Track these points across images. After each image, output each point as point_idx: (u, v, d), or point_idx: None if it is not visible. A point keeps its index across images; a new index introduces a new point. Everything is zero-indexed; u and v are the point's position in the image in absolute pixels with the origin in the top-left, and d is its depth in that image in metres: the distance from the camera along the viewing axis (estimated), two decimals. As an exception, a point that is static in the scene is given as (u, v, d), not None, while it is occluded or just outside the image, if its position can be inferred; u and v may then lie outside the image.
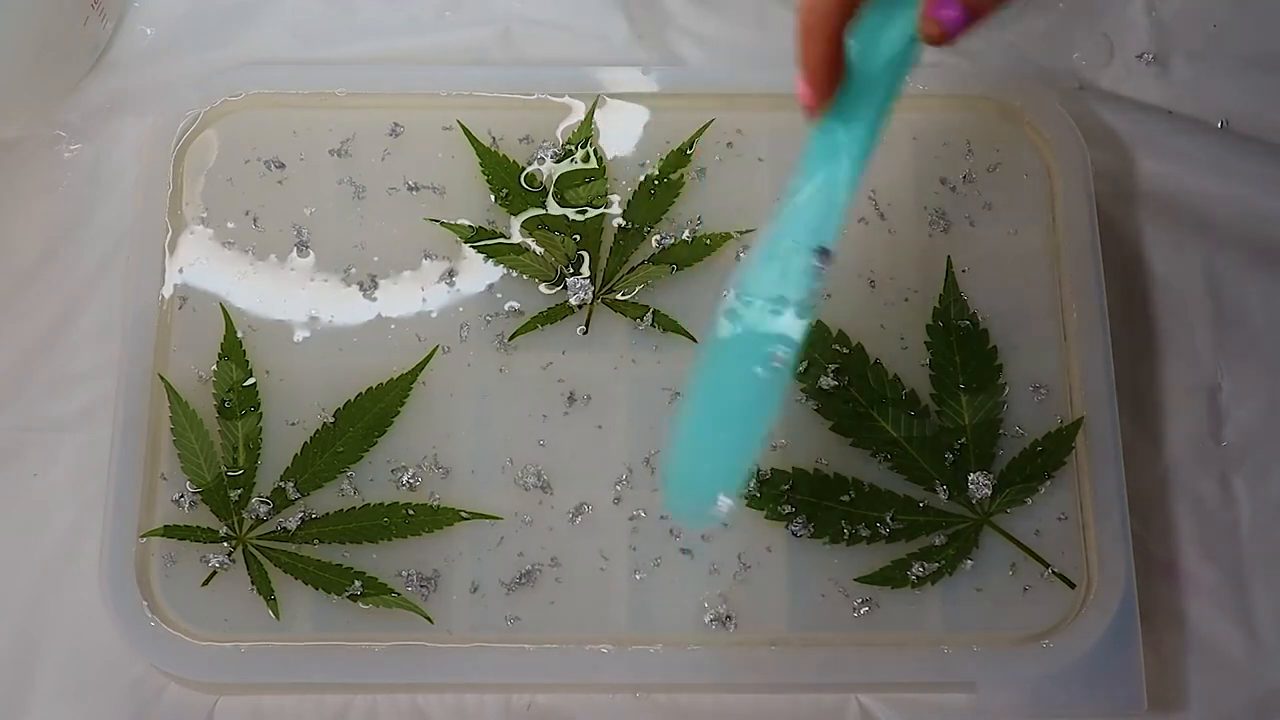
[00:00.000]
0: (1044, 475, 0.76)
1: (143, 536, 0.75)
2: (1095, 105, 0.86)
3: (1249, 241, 0.84)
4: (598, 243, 0.80)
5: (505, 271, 0.80)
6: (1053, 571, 0.75)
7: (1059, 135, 0.82)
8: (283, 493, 0.76)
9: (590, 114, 0.82)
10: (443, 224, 0.80)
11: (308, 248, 0.80)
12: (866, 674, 0.75)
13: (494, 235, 0.80)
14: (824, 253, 0.62)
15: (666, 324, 0.79)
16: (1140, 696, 0.74)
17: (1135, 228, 0.84)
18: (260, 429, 0.77)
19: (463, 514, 0.76)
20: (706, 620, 0.74)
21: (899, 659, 0.74)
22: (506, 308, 0.79)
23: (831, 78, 0.61)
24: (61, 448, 0.80)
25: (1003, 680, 0.74)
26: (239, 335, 0.78)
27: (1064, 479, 0.77)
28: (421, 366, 0.78)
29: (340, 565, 0.75)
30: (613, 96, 0.83)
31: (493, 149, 0.82)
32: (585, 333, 0.79)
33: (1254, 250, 0.84)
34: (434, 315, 0.79)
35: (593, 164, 0.81)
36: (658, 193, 0.81)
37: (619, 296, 0.80)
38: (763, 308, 0.63)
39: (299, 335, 0.79)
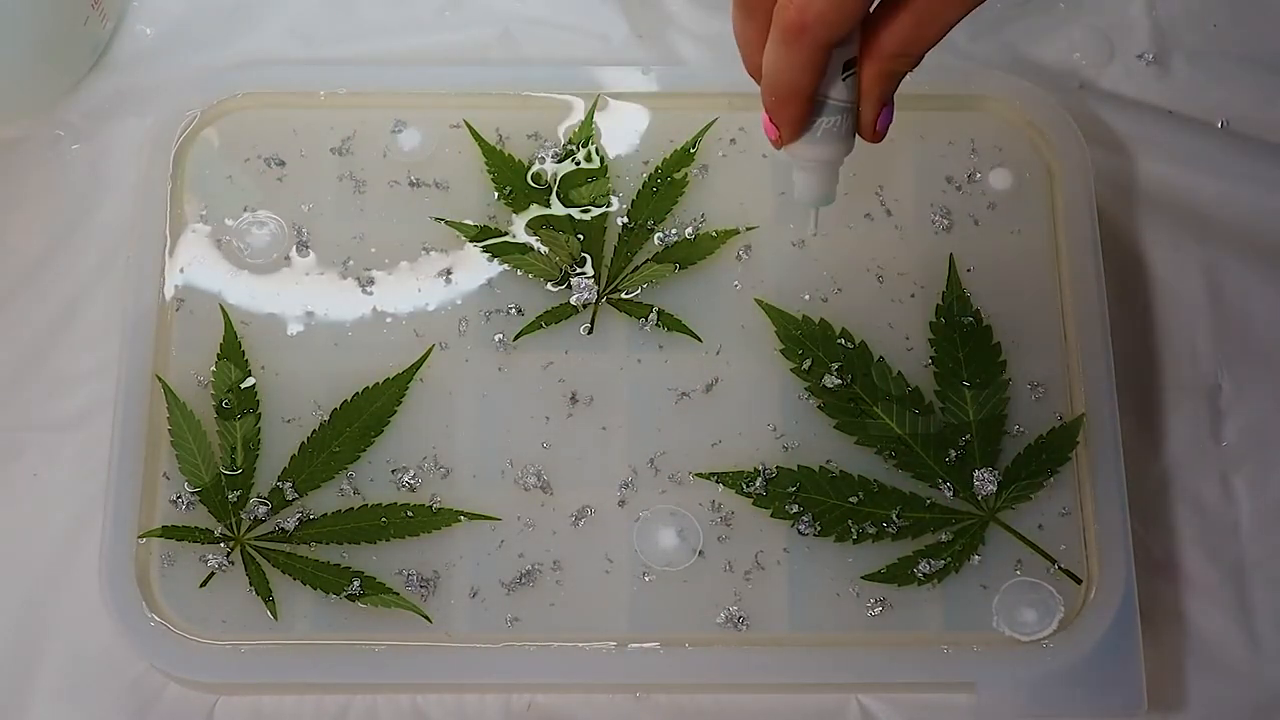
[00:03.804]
0: (1048, 471, 0.76)
1: (141, 537, 0.74)
2: (1095, 105, 0.87)
3: (1249, 241, 0.84)
4: (601, 242, 0.80)
5: (504, 269, 0.80)
6: (1059, 567, 0.75)
7: (1059, 135, 0.82)
8: (280, 493, 0.76)
9: (591, 113, 0.82)
10: (448, 223, 0.80)
11: (307, 246, 0.80)
12: (866, 674, 0.75)
13: (498, 234, 0.80)
14: None
15: (671, 323, 0.79)
16: (1140, 696, 0.73)
17: (1135, 228, 0.84)
18: (259, 430, 0.77)
19: (461, 515, 0.76)
20: (718, 621, 0.74)
21: (899, 659, 0.74)
22: (506, 306, 0.79)
23: (804, 119, 0.65)
24: (61, 448, 0.79)
25: (1003, 680, 0.74)
26: (238, 336, 0.78)
27: (1064, 479, 0.77)
28: (419, 365, 0.78)
29: (339, 565, 0.75)
30: (614, 96, 0.83)
31: (498, 147, 0.82)
32: (590, 333, 0.79)
33: (1254, 250, 0.84)
34: (432, 311, 0.79)
35: (595, 163, 0.81)
36: (661, 191, 0.81)
37: (623, 296, 0.80)
38: None
39: (296, 330, 0.79)
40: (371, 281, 0.80)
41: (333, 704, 0.76)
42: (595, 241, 0.80)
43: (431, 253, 0.80)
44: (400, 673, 0.74)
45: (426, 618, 0.74)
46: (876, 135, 0.65)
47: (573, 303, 0.79)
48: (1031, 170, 0.82)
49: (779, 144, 0.66)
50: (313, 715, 0.76)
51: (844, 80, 0.63)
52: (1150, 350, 0.82)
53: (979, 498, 0.76)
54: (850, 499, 0.76)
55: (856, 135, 0.65)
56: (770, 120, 0.65)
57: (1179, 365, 0.82)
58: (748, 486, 0.76)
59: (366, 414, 0.77)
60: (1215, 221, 0.84)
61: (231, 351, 0.78)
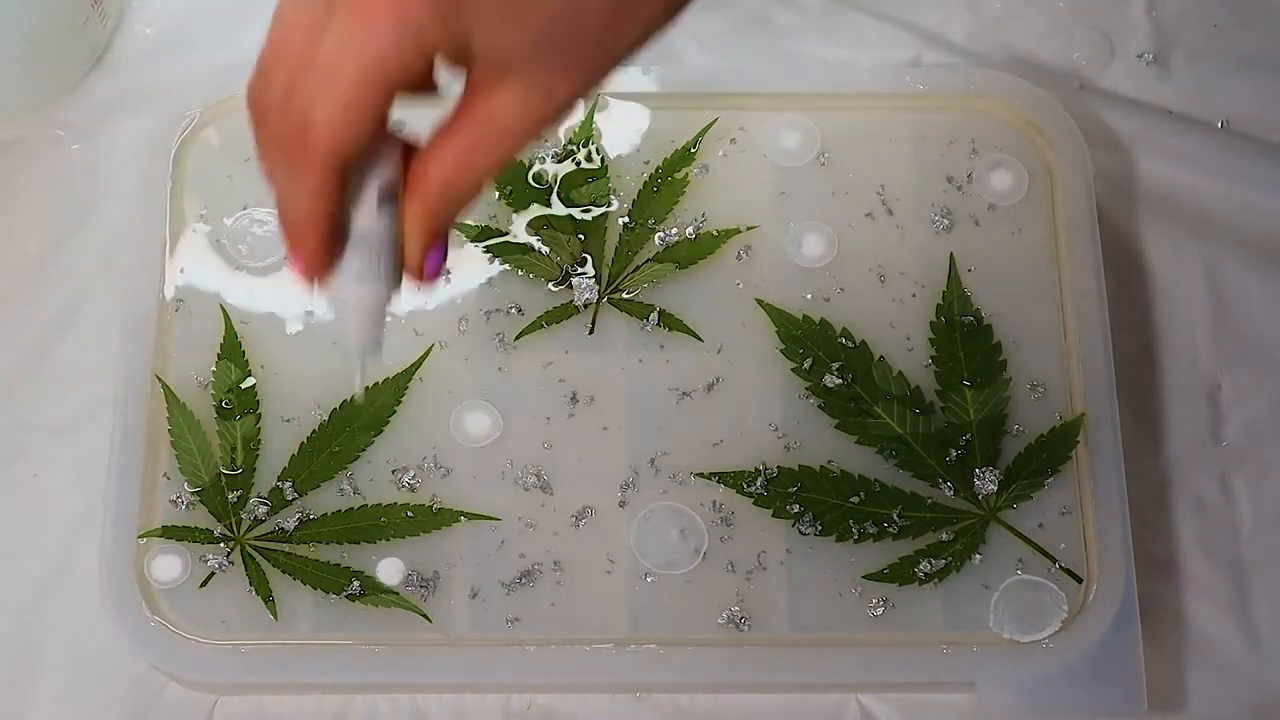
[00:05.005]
0: (1048, 471, 0.76)
1: (141, 537, 0.74)
2: (1095, 105, 0.87)
3: (1249, 241, 0.84)
4: (602, 242, 0.80)
5: (504, 268, 0.80)
6: (1060, 566, 0.75)
7: (1059, 135, 0.82)
8: (280, 493, 0.76)
9: (591, 113, 0.82)
10: (448, 222, 0.80)
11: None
12: (866, 674, 0.75)
13: (499, 234, 0.80)
14: None
15: (672, 323, 0.79)
16: (1140, 696, 0.73)
17: (1135, 228, 0.84)
18: (259, 430, 0.77)
19: (461, 515, 0.76)
20: (719, 621, 0.74)
21: (899, 659, 0.74)
22: (506, 306, 0.79)
23: (327, 253, 0.54)
24: (61, 448, 0.79)
25: (1003, 680, 0.74)
26: (238, 336, 0.78)
27: (1064, 479, 0.77)
28: (419, 364, 0.78)
29: (338, 565, 0.75)
30: (614, 96, 0.83)
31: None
32: (591, 333, 0.79)
33: (1254, 250, 0.84)
34: (432, 311, 0.79)
35: (595, 163, 0.81)
36: (661, 191, 0.81)
37: (624, 295, 0.80)
38: None
39: (296, 330, 0.79)
40: (371, 280, 0.79)
41: (333, 704, 0.76)
42: (596, 241, 0.80)
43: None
44: (400, 673, 0.74)
45: (427, 618, 0.74)
46: (425, 278, 0.55)
47: (574, 303, 0.79)
48: (1031, 170, 0.82)
49: (305, 279, 0.55)
50: (313, 715, 0.76)
51: (381, 209, 0.53)
52: (1150, 350, 0.82)
53: (979, 497, 0.76)
54: (851, 499, 0.76)
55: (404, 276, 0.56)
56: (291, 252, 0.54)
57: (1179, 365, 0.82)
58: (749, 486, 0.76)
59: (366, 414, 0.77)
60: (1215, 221, 0.85)
61: (231, 351, 0.78)
